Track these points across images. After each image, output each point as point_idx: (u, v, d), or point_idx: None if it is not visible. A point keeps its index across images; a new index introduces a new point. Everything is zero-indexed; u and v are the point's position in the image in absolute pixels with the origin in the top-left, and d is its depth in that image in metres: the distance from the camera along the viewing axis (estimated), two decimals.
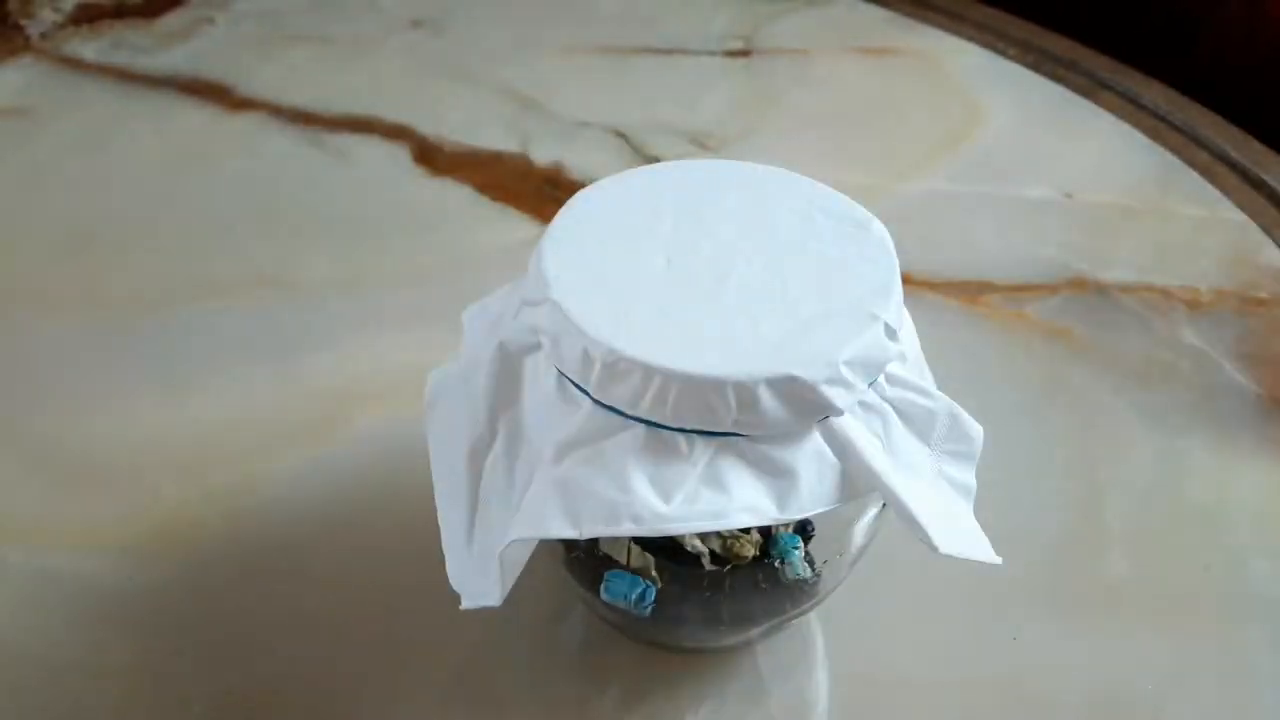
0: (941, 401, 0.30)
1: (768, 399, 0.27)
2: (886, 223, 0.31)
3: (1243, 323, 0.51)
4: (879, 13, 0.75)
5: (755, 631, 0.37)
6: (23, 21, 0.73)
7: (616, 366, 0.27)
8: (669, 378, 0.27)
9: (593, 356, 0.27)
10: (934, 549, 0.28)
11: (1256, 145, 0.62)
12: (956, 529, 0.29)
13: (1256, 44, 0.71)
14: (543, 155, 0.62)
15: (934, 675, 0.37)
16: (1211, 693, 0.37)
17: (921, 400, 0.30)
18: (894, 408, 0.29)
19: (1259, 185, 0.59)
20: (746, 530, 0.33)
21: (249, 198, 0.59)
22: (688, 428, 0.27)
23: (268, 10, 0.75)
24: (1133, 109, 0.66)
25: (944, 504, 0.30)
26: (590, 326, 0.28)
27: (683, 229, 0.31)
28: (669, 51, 0.72)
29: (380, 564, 0.40)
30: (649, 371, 0.27)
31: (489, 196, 0.59)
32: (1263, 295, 0.53)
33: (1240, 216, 0.58)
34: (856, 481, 0.28)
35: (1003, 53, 0.71)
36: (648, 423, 0.28)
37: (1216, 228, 0.57)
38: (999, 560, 0.29)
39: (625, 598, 0.32)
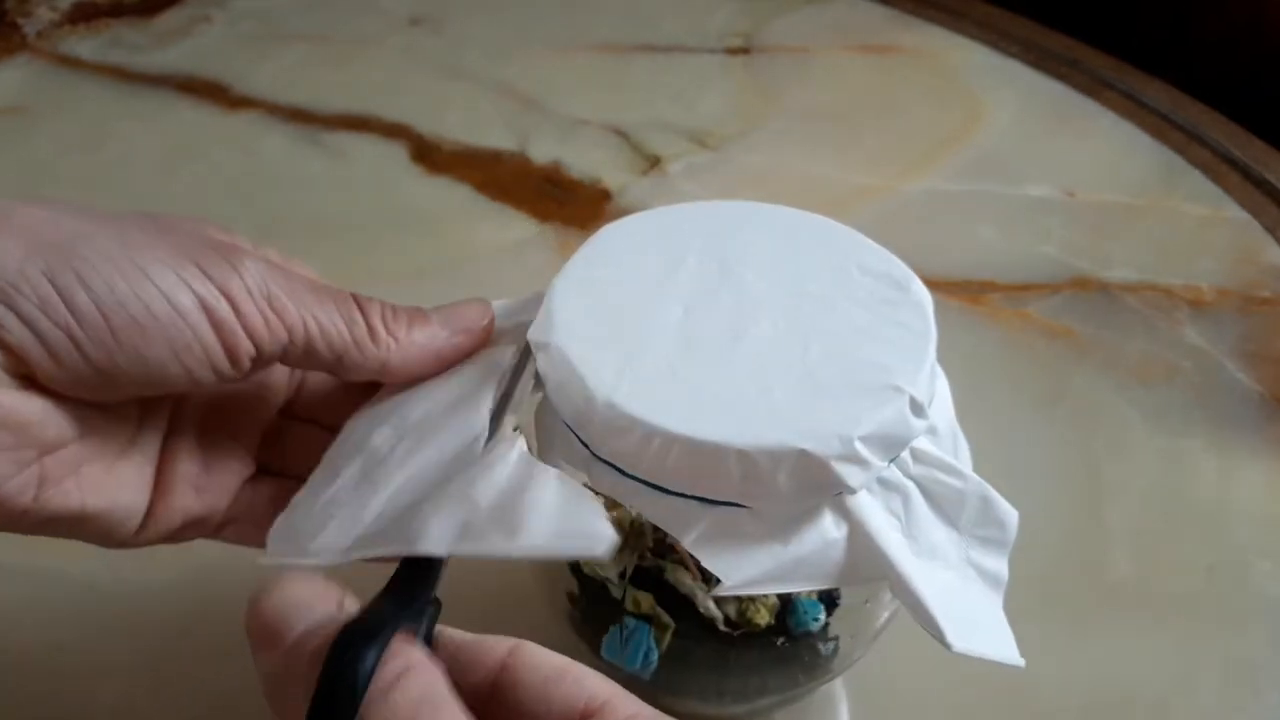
0: (973, 482, 0.27)
1: (774, 471, 0.24)
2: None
3: (1245, 322, 0.51)
4: (880, 10, 0.75)
5: (765, 702, 0.35)
6: (19, 20, 0.73)
7: (616, 422, 0.25)
8: (669, 439, 0.25)
9: (592, 408, 0.25)
10: (946, 646, 0.25)
11: (1259, 144, 0.62)
12: (975, 623, 0.26)
13: (1258, 43, 0.71)
14: (541, 153, 0.62)
15: (934, 675, 0.37)
16: (1213, 693, 0.37)
17: (950, 480, 0.27)
18: (919, 486, 0.27)
19: (1261, 184, 0.59)
20: (763, 596, 0.32)
21: (246, 196, 0.59)
22: (687, 493, 0.25)
23: (265, 9, 0.75)
24: (1135, 107, 0.66)
25: (968, 594, 0.27)
26: (592, 376, 0.26)
27: (706, 276, 0.29)
28: (668, 49, 0.71)
29: (387, 564, 0.39)
30: (649, 431, 0.25)
31: (487, 195, 0.59)
32: (1265, 294, 0.53)
33: (1243, 215, 0.58)
34: (868, 564, 0.26)
35: (1005, 51, 0.71)
36: (646, 483, 0.26)
37: (1219, 227, 0.57)
38: (1021, 662, 0.26)
39: (624, 658, 0.31)
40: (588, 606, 0.33)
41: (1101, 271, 0.54)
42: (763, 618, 0.31)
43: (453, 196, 0.59)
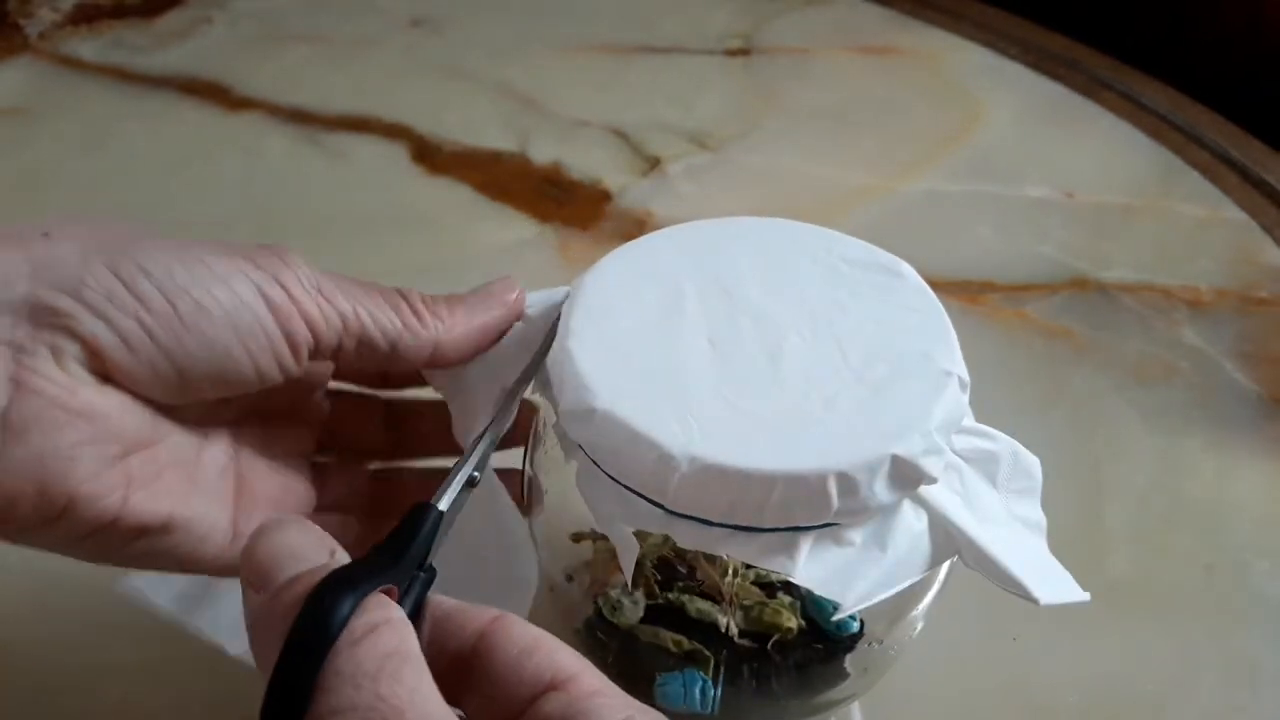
0: (1002, 440, 0.28)
1: (870, 483, 0.24)
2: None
3: (1243, 322, 0.51)
4: (879, 11, 0.75)
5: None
6: (21, 21, 0.73)
7: (702, 475, 0.24)
8: (769, 479, 0.24)
9: (670, 466, 0.24)
10: (1035, 602, 0.26)
11: (1257, 144, 0.62)
12: (1043, 574, 0.27)
13: (1255, 44, 0.71)
14: (541, 154, 0.62)
15: (932, 673, 0.37)
16: (1212, 693, 0.37)
17: (984, 444, 0.28)
18: (964, 459, 0.27)
19: (1260, 185, 0.59)
20: (774, 595, 0.32)
21: (247, 197, 0.59)
22: (782, 526, 0.25)
23: (266, 10, 0.75)
24: (1133, 108, 0.66)
25: (1025, 548, 0.28)
26: (660, 433, 0.25)
27: (713, 303, 0.28)
28: (668, 50, 0.71)
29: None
30: (745, 476, 0.24)
31: (487, 195, 0.59)
32: (1263, 295, 0.53)
33: (1241, 216, 0.58)
34: (945, 545, 0.26)
35: (1003, 52, 0.71)
36: (736, 527, 0.25)
37: (1217, 227, 0.57)
38: (1087, 597, 0.27)
39: (683, 699, 0.30)
40: (623, 656, 0.32)
41: (1100, 272, 0.54)
42: (786, 619, 0.31)
43: (453, 197, 0.59)
